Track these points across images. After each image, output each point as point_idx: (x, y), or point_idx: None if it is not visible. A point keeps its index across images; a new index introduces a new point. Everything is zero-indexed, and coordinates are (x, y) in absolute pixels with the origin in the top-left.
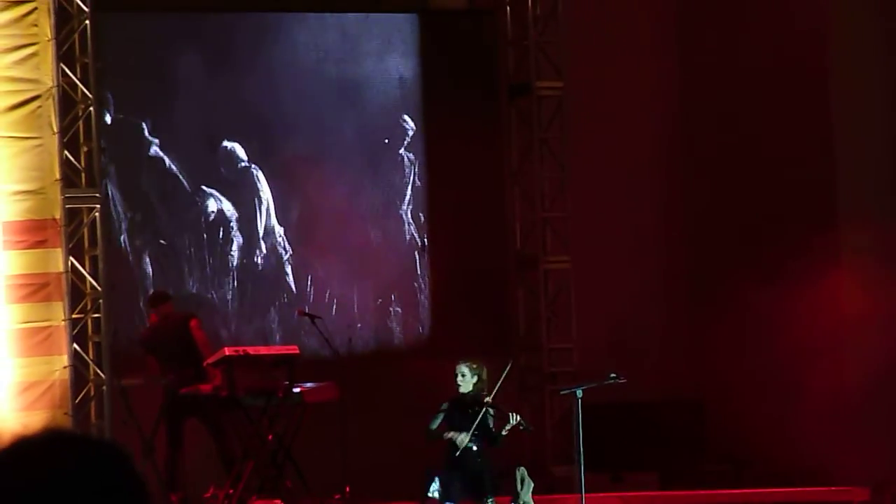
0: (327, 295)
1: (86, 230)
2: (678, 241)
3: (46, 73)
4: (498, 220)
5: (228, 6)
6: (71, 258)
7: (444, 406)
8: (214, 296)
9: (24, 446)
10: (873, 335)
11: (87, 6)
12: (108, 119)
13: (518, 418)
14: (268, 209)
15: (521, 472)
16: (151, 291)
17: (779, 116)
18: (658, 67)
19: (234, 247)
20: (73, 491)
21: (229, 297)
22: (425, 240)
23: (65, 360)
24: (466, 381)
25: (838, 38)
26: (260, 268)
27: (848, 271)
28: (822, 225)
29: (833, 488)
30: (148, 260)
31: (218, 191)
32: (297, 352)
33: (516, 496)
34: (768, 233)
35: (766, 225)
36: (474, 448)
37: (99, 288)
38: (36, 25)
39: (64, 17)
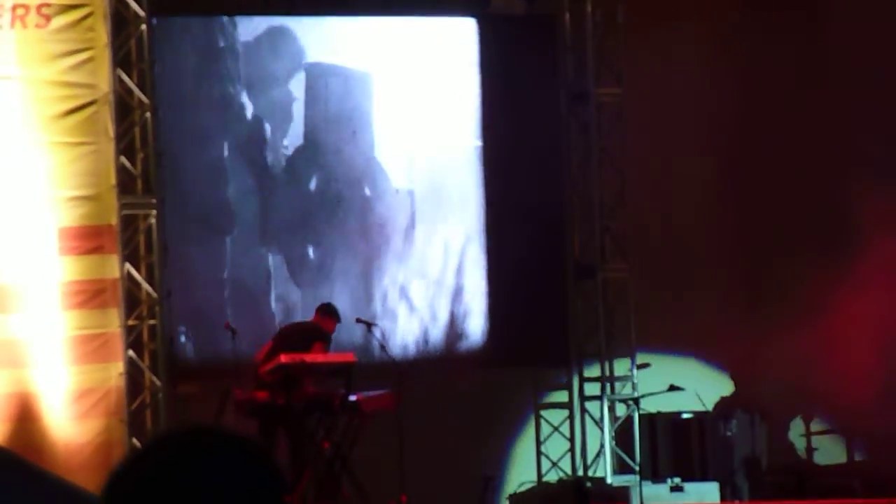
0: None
1: (142, 237)
2: (732, 252)
3: (103, 79)
4: (557, 229)
5: (287, 8)
6: (127, 264)
7: None
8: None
9: (168, 440)
10: None
11: (143, 10)
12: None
13: None
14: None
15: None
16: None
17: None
18: (717, 74)
19: None
20: (219, 486)
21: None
22: (483, 247)
23: (120, 366)
24: None
25: None
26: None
27: None
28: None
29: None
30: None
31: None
32: (354, 360)
33: None
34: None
35: (818, 237)
36: None
37: (155, 294)
38: (92, 30)
39: (120, 22)
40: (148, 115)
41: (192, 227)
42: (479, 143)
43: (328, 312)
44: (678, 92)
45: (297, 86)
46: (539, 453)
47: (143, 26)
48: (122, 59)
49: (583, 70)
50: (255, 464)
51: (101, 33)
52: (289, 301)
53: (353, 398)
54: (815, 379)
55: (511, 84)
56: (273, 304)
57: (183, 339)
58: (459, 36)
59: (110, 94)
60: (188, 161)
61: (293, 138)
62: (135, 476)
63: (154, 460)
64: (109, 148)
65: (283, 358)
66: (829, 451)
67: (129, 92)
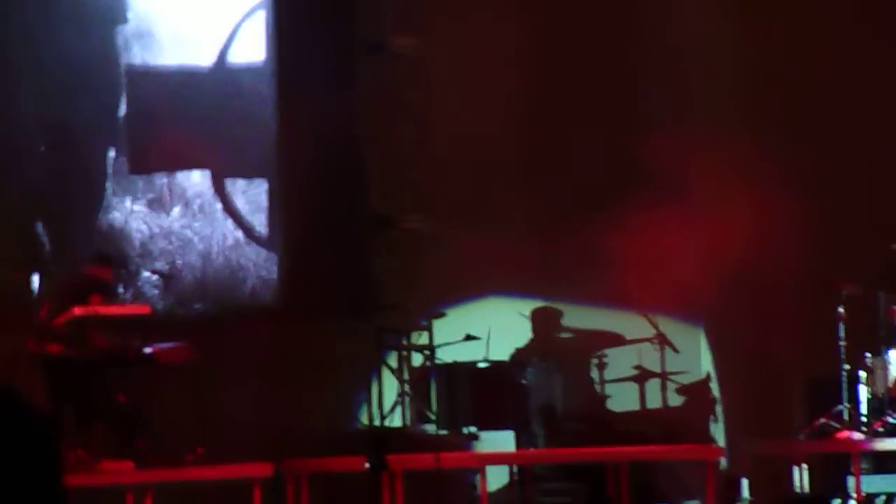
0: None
1: None
2: (532, 204)
3: None
4: (356, 179)
5: None
6: None
7: None
8: None
9: None
10: None
11: None
12: None
13: None
14: None
15: None
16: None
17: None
18: (517, 27)
19: None
20: None
21: None
22: (277, 200)
23: None
24: None
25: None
26: None
27: None
28: None
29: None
30: None
31: None
32: (150, 311)
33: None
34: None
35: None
36: None
37: None
38: None
39: None
40: None
41: None
42: (273, 89)
43: (102, 261)
44: (478, 41)
45: None
46: (336, 404)
47: None
48: None
49: (380, 19)
50: (16, 415)
51: None
52: None
53: (148, 350)
54: (610, 327)
55: (307, 31)
56: None
57: None
58: None
59: None
60: None
61: None
62: None
63: None
64: None
65: (77, 310)
66: (623, 398)
67: None
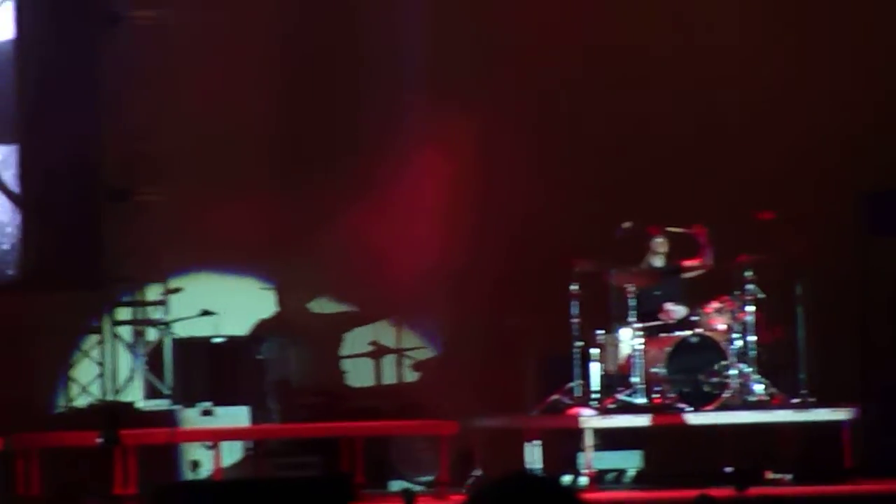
0: None
1: None
2: (263, 175)
3: None
4: (91, 151)
5: None
6: None
7: None
8: None
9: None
10: None
11: None
12: None
13: None
14: None
15: None
16: None
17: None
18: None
19: None
20: None
21: None
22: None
23: None
24: None
25: None
26: None
27: None
28: None
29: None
30: None
31: None
32: None
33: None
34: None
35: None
36: None
37: None
38: None
39: None
40: None
41: None
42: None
43: None
44: (216, 12)
45: None
46: (68, 378)
47: None
48: None
49: None
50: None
51: None
52: None
53: None
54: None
55: (51, 2)
56: None
57: None
58: None
59: None
60: None
61: None
62: None
63: None
64: None
65: None
66: (360, 374)
67: None
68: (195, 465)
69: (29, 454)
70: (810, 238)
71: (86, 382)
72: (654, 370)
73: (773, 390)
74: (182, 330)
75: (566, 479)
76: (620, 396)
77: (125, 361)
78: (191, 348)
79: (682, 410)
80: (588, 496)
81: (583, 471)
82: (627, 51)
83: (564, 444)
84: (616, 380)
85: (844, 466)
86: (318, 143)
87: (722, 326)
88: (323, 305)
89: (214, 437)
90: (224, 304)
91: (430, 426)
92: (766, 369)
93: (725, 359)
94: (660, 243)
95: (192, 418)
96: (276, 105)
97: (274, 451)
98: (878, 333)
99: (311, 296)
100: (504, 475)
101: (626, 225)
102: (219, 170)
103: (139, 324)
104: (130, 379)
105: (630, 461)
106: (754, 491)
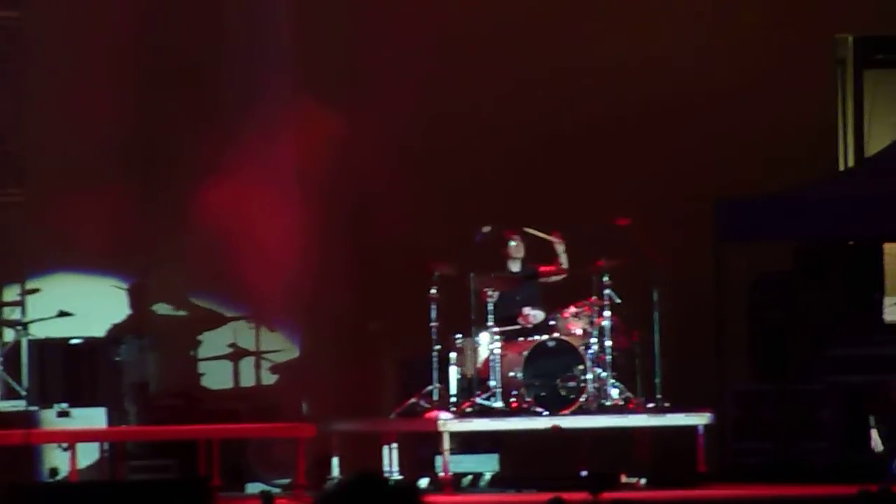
0: None
1: None
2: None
3: None
4: None
5: None
6: None
7: None
8: None
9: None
10: None
11: None
12: None
13: None
14: None
15: None
16: None
17: None
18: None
19: None
20: None
21: None
22: None
23: None
24: None
25: None
26: None
27: None
28: None
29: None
30: None
31: None
32: None
33: None
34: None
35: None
36: None
37: None
38: None
39: None
40: None
41: None
42: None
43: None
44: (80, 15)
45: None
46: None
47: None
48: None
49: None
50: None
51: None
52: None
53: None
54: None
55: None
56: None
57: None
58: None
59: None
60: None
61: None
62: None
63: None
64: None
65: None
66: (217, 376)
67: None
68: (54, 472)
69: None
70: (667, 244)
71: None
72: (511, 374)
73: (628, 395)
74: (39, 331)
75: (423, 482)
76: (478, 400)
77: None
78: (48, 349)
79: (539, 414)
80: (444, 499)
81: (440, 474)
82: (491, 55)
83: (422, 448)
84: (474, 383)
85: (698, 471)
86: (175, 141)
87: (579, 331)
88: (181, 306)
89: (71, 439)
90: (82, 306)
91: (287, 429)
92: (622, 374)
93: (582, 363)
94: (514, 247)
95: (48, 419)
96: (134, 103)
97: (131, 453)
98: (732, 339)
99: (170, 297)
100: (348, 477)
101: (485, 229)
102: (77, 170)
103: None
104: None
105: (487, 464)
106: (608, 495)
